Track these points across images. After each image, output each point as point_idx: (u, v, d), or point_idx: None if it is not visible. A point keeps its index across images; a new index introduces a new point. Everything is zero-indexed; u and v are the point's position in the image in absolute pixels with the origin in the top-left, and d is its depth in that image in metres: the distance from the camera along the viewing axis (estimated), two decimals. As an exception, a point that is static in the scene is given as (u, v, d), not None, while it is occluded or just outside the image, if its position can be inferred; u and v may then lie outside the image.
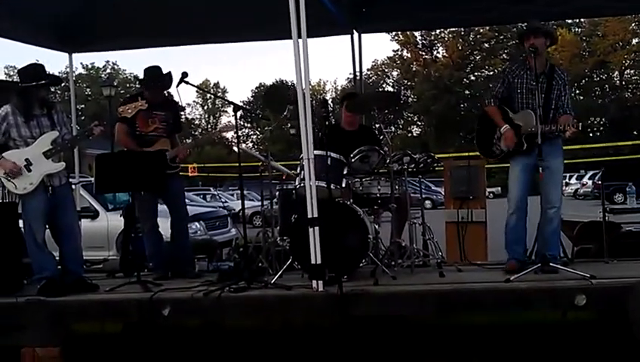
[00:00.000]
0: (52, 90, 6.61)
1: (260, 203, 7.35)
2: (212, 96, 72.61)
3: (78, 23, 8.26)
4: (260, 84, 70.26)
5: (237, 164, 6.51)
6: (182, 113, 7.34)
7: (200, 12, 7.95)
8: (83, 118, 51.14)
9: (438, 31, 59.17)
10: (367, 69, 63.03)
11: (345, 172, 6.37)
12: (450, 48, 62.83)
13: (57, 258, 6.35)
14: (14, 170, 6.03)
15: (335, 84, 73.01)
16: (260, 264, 6.67)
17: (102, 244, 10.67)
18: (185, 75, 6.49)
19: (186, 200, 7.61)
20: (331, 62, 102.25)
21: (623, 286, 5.07)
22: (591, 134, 6.97)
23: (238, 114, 6.57)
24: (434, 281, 5.81)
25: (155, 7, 7.77)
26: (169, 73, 6.83)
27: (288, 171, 7.70)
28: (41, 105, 6.24)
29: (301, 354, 6.10)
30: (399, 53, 66.99)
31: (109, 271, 7.73)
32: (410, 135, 64.05)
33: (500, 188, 34.36)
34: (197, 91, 67.87)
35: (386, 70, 68.71)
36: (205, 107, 75.45)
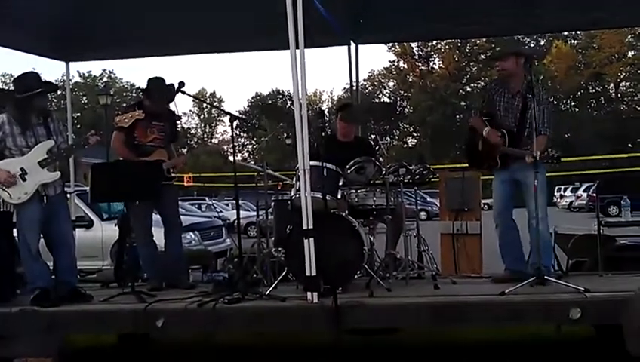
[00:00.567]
0: (49, 98, 6.59)
1: (255, 213, 7.34)
2: (208, 106, 72.49)
3: (74, 31, 8.25)
4: (257, 93, 70.40)
5: (232, 174, 6.52)
6: (178, 122, 7.32)
7: (197, 22, 7.96)
8: (79, 126, 51.19)
9: (434, 42, 59.45)
10: (364, 80, 63.27)
11: (340, 183, 6.38)
12: (446, 59, 63.03)
13: (51, 268, 6.32)
14: (9, 180, 6.01)
15: (332, 94, 73.03)
16: (254, 275, 6.66)
17: (96, 254, 10.62)
18: (182, 84, 6.51)
19: (181, 210, 7.60)
20: (328, 72, 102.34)
21: (618, 300, 5.07)
22: None
23: (235, 124, 6.58)
24: (428, 293, 5.81)
25: (152, 17, 7.78)
26: (172, 85, 6.81)
27: (285, 179, 7.71)
28: (38, 115, 6.23)
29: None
30: (396, 63, 67.20)
31: (103, 281, 7.71)
32: (405, 146, 64.11)
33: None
34: (193, 101, 68.05)
35: (383, 81, 68.88)
36: (201, 116, 75.45)
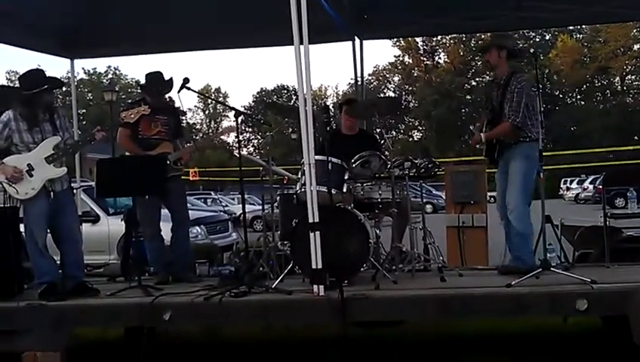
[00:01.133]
0: (55, 94, 6.61)
1: (260, 207, 7.35)
2: (213, 101, 72.59)
3: (79, 29, 8.28)
4: (262, 89, 70.50)
5: (238, 168, 6.52)
6: (183, 118, 7.35)
7: (202, 19, 7.97)
8: (84, 122, 51.26)
9: (439, 37, 59.29)
10: (369, 75, 63.23)
11: (346, 177, 6.38)
12: (451, 54, 62.98)
13: (58, 262, 6.34)
14: (16, 176, 6.04)
15: (336, 89, 73.22)
16: (260, 268, 6.68)
17: (103, 249, 10.65)
18: (186, 80, 6.52)
19: (187, 204, 7.61)
20: (333, 67, 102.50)
21: (624, 291, 5.07)
22: None
23: (240, 119, 6.59)
24: (435, 286, 5.80)
25: (157, 14, 7.79)
26: (170, 79, 6.86)
27: (290, 175, 7.72)
28: (44, 111, 6.25)
29: (302, 357, 6.10)
30: (401, 58, 67.20)
31: (109, 275, 7.74)
32: (411, 140, 64.09)
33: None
34: (198, 96, 68.07)
35: (388, 75, 68.86)
36: (206, 112, 75.56)
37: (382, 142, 7.58)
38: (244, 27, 8.28)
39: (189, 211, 7.55)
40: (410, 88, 66.15)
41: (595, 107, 60.45)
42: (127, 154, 6.96)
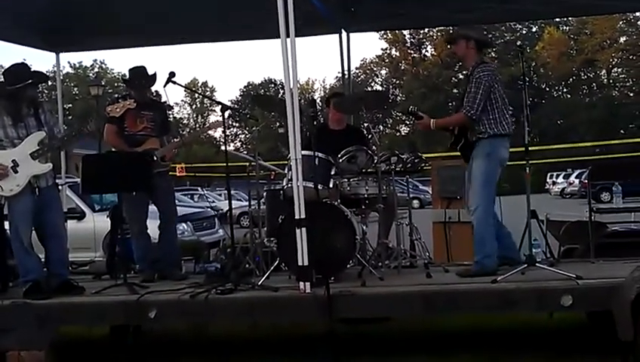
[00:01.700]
0: (39, 88, 6.57)
1: (247, 203, 7.33)
2: (200, 96, 72.32)
3: (64, 22, 8.19)
4: (249, 83, 70.33)
5: (224, 164, 6.50)
6: (170, 112, 7.33)
7: (188, 12, 7.91)
8: (70, 117, 51.01)
9: (426, 30, 59.32)
10: (356, 68, 63.24)
11: (332, 172, 6.37)
12: (438, 47, 62.95)
13: (43, 260, 6.30)
14: (1, 172, 5.99)
15: (324, 82, 73.05)
16: (247, 265, 6.66)
17: (88, 246, 10.62)
18: (172, 74, 6.49)
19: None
20: (320, 60, 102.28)
21: (609, 287, 5.08)
22: None
23: (226, 113, 6.56)
24: (421, 282, 5.81)
25: (143, 7, 7.73)
26: (154, 73, 6.83)
27: (277, 169, 7.70)
28: (29, 105, 6.20)
29: (288, 354, 6.09)
30: (388, 51, 67.15)
31: (95, 273, 7.70)
32: (398, 134, 64.13)
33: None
34: (185, 91, 67.85)
35: (375, 69, 68.89)
36: (193, 106, 75.28)
37: (369, 136, 7.57)
38: (231, 20, 8.23)
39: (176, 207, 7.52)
40: (398, 82, 66.20)
41: (581, 100, 60.70)
42: (113, 150, 6.93)
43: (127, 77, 6.94)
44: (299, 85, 6.06)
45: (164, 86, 6.47)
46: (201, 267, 7.58)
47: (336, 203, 6.24)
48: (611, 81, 62.30)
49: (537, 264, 5.66)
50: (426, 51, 66.28)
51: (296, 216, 5.43)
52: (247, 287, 5.77)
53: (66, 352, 5.93)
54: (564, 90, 64.14)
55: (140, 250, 6.89)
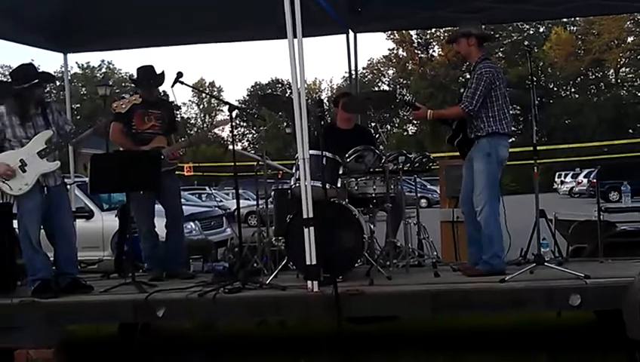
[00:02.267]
0: (47, 88, 6.58)
1: (255, 202, 7.33)
2: (207, 96, 72.38)
3: (72, 23, 8.22)
4: (256, 82, 70.35)
5: (232, 164, 6.51)
6: (177, 112, 7.33)
7: (196, 12, 7.93)
8: (78, 117, 51.12)
9: (433, 30, 59.23)
10: (363, 68, 63.24)
11: (340, 172, 6.37)
12: (445, 47, 62.76)
13: (52, 259, 6.32)
14: (8, 173, 6.00)
15: (331, 82, 73.08)
16: (255, 264, 6.66)
17: (97, 245, 10.63)
18: (180, 74, 6.50)
19: (182, 200, 7.59)
20: (327, 61, 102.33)
21: (618, 286, 5.07)
22: None
23: (234, 113, 6.57)
24: (429, 281, 5.80)
25: (151, 7, 7.75)
26: (162, 72, 6.83)
27: (284, 168, 7.69)
28: (36, 105, 6.22)
29: (296, 353, 6.09)
30: (395, 51, 67.10)
31: (103, 271, 7.72)
32: (405, 133, 64.07)
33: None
34: (192, 91, 67.93)
35: (382, 69, 68.84)
36: (201, 106, 75.39)
37: (377, 136, 7.57)
38: (239, 20, 8.24)
39: (183, 207, 7.53)
40: (405, 81, 66.12)
41: (589, 100, 60.54)
42: (120, 149, 6.94)
43: (135, 76, 6.94)
44: (306, 85, 6.06)
45: (172, 86, 6.48)
46: (209, 266, 7.58)
47: (344, 202, 6.24)
48: (619, 81, 62.14)
49: (546, 263, 5.65)
50: (433, 51, 66.29)
51: (304, 215, 5.43)
52: (255, 286, 5.76)
53: (74, 350, 5.94)
54: (572, 89, 64.00)
55: (148, 248, 6.90)
